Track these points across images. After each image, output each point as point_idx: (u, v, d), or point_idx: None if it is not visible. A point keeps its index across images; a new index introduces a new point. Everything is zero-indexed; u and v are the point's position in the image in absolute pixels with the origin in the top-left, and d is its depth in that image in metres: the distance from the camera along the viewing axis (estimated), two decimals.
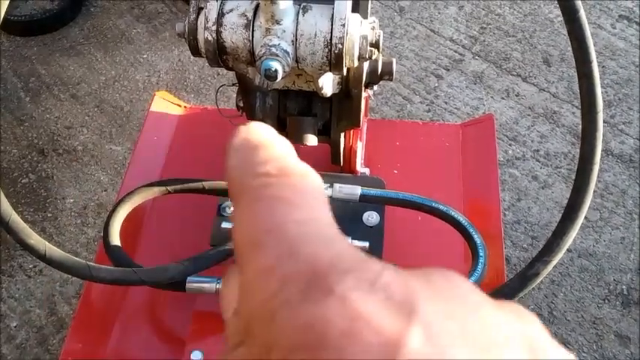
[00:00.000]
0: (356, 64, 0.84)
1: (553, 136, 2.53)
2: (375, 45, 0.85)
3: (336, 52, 0.80)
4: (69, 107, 2.62)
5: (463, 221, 1.01)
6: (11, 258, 2.14)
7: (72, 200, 2.32)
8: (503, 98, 2.66)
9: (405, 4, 3.03)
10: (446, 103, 2.64)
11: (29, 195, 2.32)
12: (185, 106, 1.57)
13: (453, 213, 1.02)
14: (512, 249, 2.19)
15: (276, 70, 0.77)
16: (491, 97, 2.66)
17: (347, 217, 1.13)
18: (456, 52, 2.84)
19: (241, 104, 1.11)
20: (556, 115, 2.59)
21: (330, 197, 1.07)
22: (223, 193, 1.13)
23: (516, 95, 2.67)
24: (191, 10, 0.84)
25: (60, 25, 2.94)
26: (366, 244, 1.06)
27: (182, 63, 2.79)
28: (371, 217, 1.14)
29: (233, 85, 1.12)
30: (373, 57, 0.85)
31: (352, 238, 1.04)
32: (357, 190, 1.07)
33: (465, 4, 3.04)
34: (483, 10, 3.01)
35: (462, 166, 1.37)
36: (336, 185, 1.08)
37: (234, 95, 1.15)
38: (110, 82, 2.72)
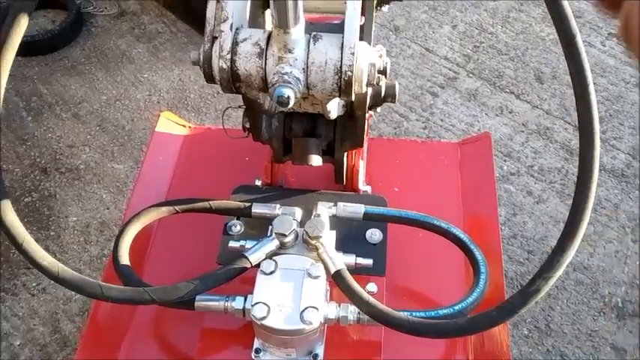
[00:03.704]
0: (364, 90, 0.87)
1: (547, 152, 2.58)
2: (383, 72, 0.89)
3: (345, 79, 0.84)
4: (71, 126, 2.65)
5: (464, 238, 1.04)
6: (14, 276, 2.16)
7: (75, 218, 2.34)
8: (497, 115, 2.71)
9: (400, 24, 3.09)
10: (441, 120, 2.69)
11: (32, 214, 2.34)
12: (190, 127, 1.60)
13: (454, 230, 1.05)
14: (509, 263, 2.22)
15: (288, 97, 0.81)
16: (486, 114, 2.72)
17: (351, 235, 1.15)
18: (450, 70, 2.89)
19: (248, 125, 1.14)
20: (549, 131, 2.65)
21: (334, 216, 1.10)
22: (230, 212, 1.16)
23: (510, 112, 2.72)
24: (205, 39, 0.87)
25: (61, 45, 2.98)
26: (370, 261, 1.08)
27: (182, 82, 2.83)
28: (374, 235, 1.17)
29: (239, 107, 1.15)
30: (380, 83, 0.88)
31: (356, 256, 1.07)
32: (360, 209, 1.10)
33: (458, 23, 3.11)
34: (476, 29, 3.08)
35: (460, 183, 1.41)
36: (340, 204, 1.11)
37: (234, 113, 1.17)
38: (111, 101, 2.76)
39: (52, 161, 2.52)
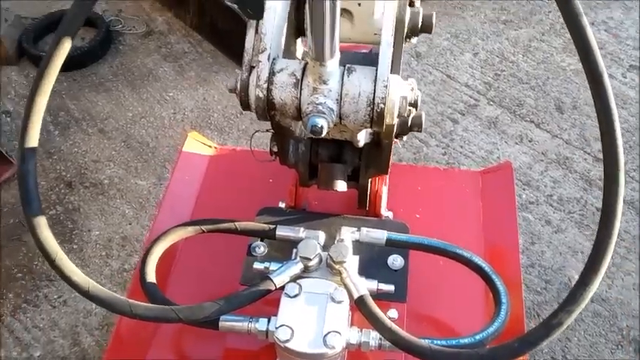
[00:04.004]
0: (395, 121, 0.90)
1: (566, 182, 2.58)
2: (414, 104, 0.91)
3: (378, 110, 0.86)
4: (96, 141, 2.71)
5: (486, 268, 1.05)
6: (37, 288, 2.20)
7: (97, 233, 2.38)
8: (517, 143, 2.72)
9: (421, 50, 3.13)
10: (461, 146, 2.71)
11: (56, 226, 2.38)
12: (215, 147, 1.63)
13: (476, 260, 1.06)
14: (527, 292, 2.21)
15: (322, 127, 0.84)
16: (505, 142, 2.73)
17: (373, 260, 1.17)
18: (471, 97, 2.92)
19: (275, 149, 1.17)
20: (568, 161, 2.65)
21: (357, 241, 1.12)
22: (255, 234, 1.17)
23: (530, 141, 2.73)
24: (243, 68, 0.90)
25: (90, 61, 3.06)
26: (392, 287, 1.09)
27: (206, 102, 2.88)
28: (395, 261, 1.18)
29: (267, 131, 1.18)
30: (411, 115, 0.91)
31: (378, 282, 1.08)
32: (383, 235, 1.11)
33: (479, 51, 3.14)
34: (498, 57, 3.10)
35: (482, 212, 1.42)
36: (364, 229, 1.12)
37: (257, 133, 1.20)
38: (137, 118, 2.82)
39: (77, 175, 2.57)
